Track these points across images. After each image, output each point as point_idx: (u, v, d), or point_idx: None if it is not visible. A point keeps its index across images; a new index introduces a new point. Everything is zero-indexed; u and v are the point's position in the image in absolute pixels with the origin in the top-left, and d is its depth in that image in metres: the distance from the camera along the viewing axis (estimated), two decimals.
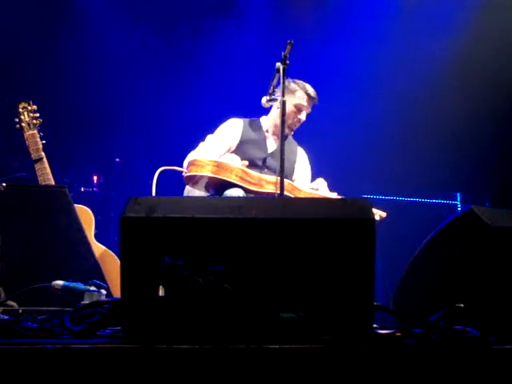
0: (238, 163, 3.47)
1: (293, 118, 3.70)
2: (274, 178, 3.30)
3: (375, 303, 1.52)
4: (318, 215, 1.50)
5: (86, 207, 3.41)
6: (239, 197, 3.17)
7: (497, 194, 5.62)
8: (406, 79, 5.42)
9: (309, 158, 4.02)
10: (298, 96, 3.72)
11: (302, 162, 3.96)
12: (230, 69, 5.66)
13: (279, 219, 1.49)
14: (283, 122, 3.10)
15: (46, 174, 3.31)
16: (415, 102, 5.48)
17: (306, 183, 3.85)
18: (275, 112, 3.78)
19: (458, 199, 5.74)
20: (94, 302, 1.67)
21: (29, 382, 1.29)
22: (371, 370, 1.36)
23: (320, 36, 5.51)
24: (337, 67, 5.57)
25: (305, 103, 3.75)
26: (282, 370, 1.33)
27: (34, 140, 3.39)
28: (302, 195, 3.44)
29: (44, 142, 3.41)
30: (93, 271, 2.63)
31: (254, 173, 3.40)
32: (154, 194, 3.36)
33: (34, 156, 3.35)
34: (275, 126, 3.78)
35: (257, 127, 3.85)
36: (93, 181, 5.43)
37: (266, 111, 3.90)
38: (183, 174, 3.46)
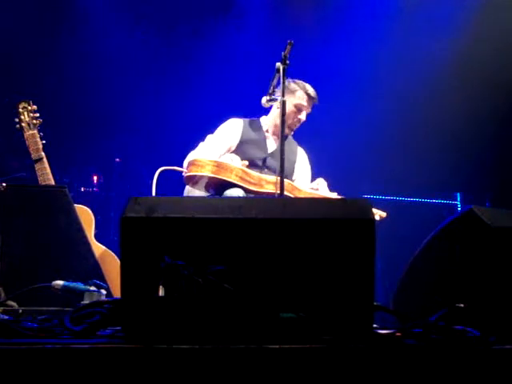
0: (237, 163, 3.47)
1: (293, 117, 3.70)
2: (273, 178, 3.30)
3: (375, 303, 1.52)
4: (318, 215, 1.50)
5: (86, 207, 3.41)
6: (239, 197, 3.17)
7: (497, 194, 5.62)
8: (406, 79, 5.42)
9: (309, 158, 4.02)
10: (297, 96, 3.73)
11: (301, 162, 3.96)
12: (230, 69, 5.66)
13: (279, 219, 1.49)
14: (283, 121, 3.10)
15: (46, 174, 3.31)
16: (415, 102, 5.48)
17: (306, 183, 3.85)
18: (275, 112, 3.78)
19: (458, 199, 5.74)
20: (94, 302, 1.67)
21: (29, 381, 1.29)
22: (371, 370, 1.36)
23: (320, 36, 5.51)
24: (337, 67, 5.57)
25: (305, 103, 3.75)
26: (281, 369, 1.33)
27: (34, 140, 3.39)
28: (302, 195, 3.44)
29: (44, 141, 3.41)
30: (93, 271, 2.63)
31: (254, 173, 3.40)
32: (153, 194, 3.36)
33: (33, 156, 3.35)
34: (275, 125, 3.78)
35: (257, 127, 3.85)
36: (93, 181, 5.43)
37: (266, 111, 3.90)
38: (183, 174, 3.46)
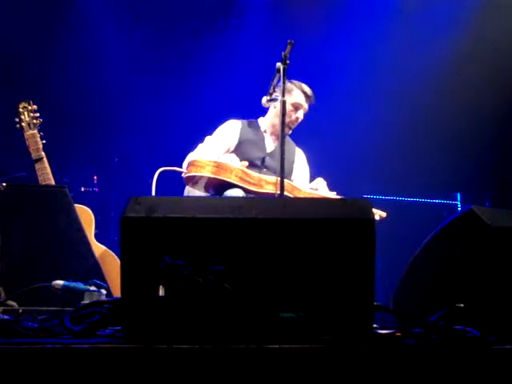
0: (237, 163, 3.48)
1: (290, 116, 3.72)
2: (273, 179, 3.30)
3: (375, 303, 1.52)
4: (317, 215, 1.50)
5: (86, 207, 3.41)
6: (239, 197, 3.17)
7: (497, 194, 5.62)
8: (406, 79, 5.42)
9: (307, 159, 4.03)
10: (294, 95, 3.75)
11: (300, 161, 3.98)
12: (230, 69, 5.66)
13: (279, 219, 1.49)
14: (283, 121, 3.11)
15: (46, 174, 3.31)
16: (415, 102, 5.48)
17: (305, 183, 3.85)
18: (272, 112, 3.82)
19: (458, 199, 5.75)
20: (94, 302, 1.67)
21: (29, 381, 1.29)
22: (371, 370, 1.36)
23: (320, 36, 5.51)
24: (337, 67, 5.57)
25: (302, 102, 3.78)
26: (281, 370, 1.34)
27: (34, 140, 3.39)
28: (301, 195, 3.44)
29: (44, 141, 3.41)
30: (93, 271, 2.63)
31: (254, 173, 3.41)
32: (153, 194, 3.36)
33: (34, 156, 3.35)
34: (273, 125, 3.82)
35: (255, 128, 3.88)
36: (93, 181, 5.43)
37: (265, 112, 3.91)
38: (183, 174, 3.46)
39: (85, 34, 5.55)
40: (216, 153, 3.67)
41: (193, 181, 3.43)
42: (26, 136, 3.40)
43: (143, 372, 1.31)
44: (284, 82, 3.11)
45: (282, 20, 5.69)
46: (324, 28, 5.55)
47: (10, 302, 2.10)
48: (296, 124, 3.82)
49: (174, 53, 5.78)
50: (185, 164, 3.54)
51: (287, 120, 3.66)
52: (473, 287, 1.75)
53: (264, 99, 3.32)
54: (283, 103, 3.11)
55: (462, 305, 1.62)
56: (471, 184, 5.67)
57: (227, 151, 3.72)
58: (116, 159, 5.59)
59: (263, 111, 3.91)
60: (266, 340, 1.38)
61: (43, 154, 3.35)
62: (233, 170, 3.33)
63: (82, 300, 1.93)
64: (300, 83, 3.80)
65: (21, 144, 3.45)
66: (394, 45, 5.43)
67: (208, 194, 3.52)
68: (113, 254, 3.32)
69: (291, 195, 3.35)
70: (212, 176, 3.29)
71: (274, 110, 3.78)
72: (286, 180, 3.14)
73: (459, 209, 5.63)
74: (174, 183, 3.80)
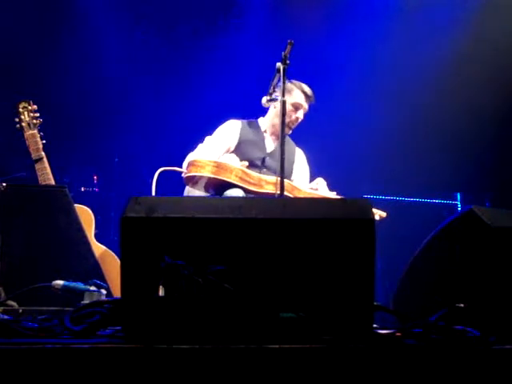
0: (236, 163, 3.48)
1: (290, 116, 3.72)
2: (273, 179, 3.30)
3: (375, 303, 1.52)
4: (317, 215, 1.50)
5: (86, 207, 3.41)
6: (239, 197, 3.17)
7: (497, 194, 5.63)
8: (406, 79, 5.42)
9: (307, 159, 4.04)
10: (294, 95, 3.75)
11: (300, 162, 3.98)
12: (230, 69, 5.66)
13: (279, 219, 1.49)
14: (283, 121, 3.11)
15: (46, 174, 3.31)
16: (415, 102, 5.48)
17: (305, 183, 3.86)
18: (272, 112, 3.83)
19: (458, 199, 5.75)
20: (94, 302, 1.67)
21: (29, 381, 1.29)
22: (371, 370, 1.36)
23: (320, 36, 5.51)
24: (337, 67, 5.57)
25: (301, 102, 3.78)
26: (282, 370, 1.34)
27: (34, 140, 3.39)
28: (301, 195, 3.44)
29: (44, 141, 3.41)
30: (93, 271, 2.63)
31: (254, 173, 3.41)
32: (153, 194, 3.36)
33: (34, 156, 3.35)
34: (273, 125, 3.83)
35: (255, 128, 3.88)
36: (93, 181, 5.43)
37: (265, 112, 3.92)
38: (183, 174, 3.46)
39: (85, 33, 5.55)
40: (216, 153, 3.67)
41: (193, 181, 3.43)
42: (25, 136, 3.40)
43: (143, 372, 1.31)
44: (284, 82, 3.11)
45: (282, 20, 5.69)
46: (324, 28, 5.55)
47: (10, 302, 2.10)
48: (296, 124, 3.82)
49: (174, 53, 5.78)
50: (185, 164, 3.54)
51: (287, 120, 3.66)
52: (473, 287, 1.75)
53: (264, 99, 3.32)
54: (283, 103, 3.11)
55: (462, 305, 1.62)
56: (471, 184, 5.67)
57: (227, 151, 3.72)
58: (116, 159, 5.59)
59: (263, 111, 3.92)
60: (266, 340, 1.38)
61: (43, 154, 3.35)
62: (233, 169, 3.33)
63: (82, 300, 1.93)
64: (300, 83, 3.81)
65: (21, 144, 3.45)
66: (394, 45, 5.43)
67: (208, 194, 3.52)
68: (113, 254, 3.32)
69: (291, 195, 3.35)
70: (212, 176, 3.29)
71: (273, 110, 3.79)
72: (286, 180, 3.14)
73: (459, 209, 5.63)
74: (174, 183, 3.80)
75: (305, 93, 3.78)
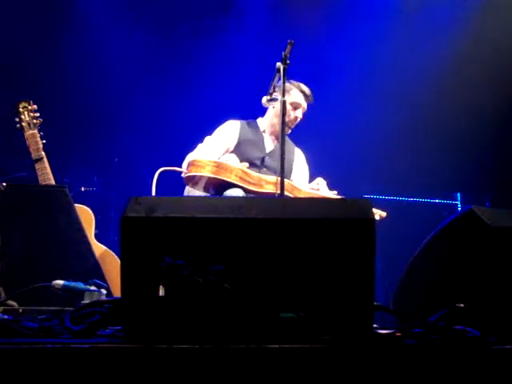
0: (234, 162, 3.49)
1: (289, 116, 3.73)
2: (273, 178, 3.30)
3: (375, 303, 1.52)
4: (318, 215, 1.50)
5: (86, 207, 3.41)
6: (239, 197, 3.17)
7: (497, 194, 5.62)
8: (406, 79, 5.42)
9: (307, 159, 4.05)
10: (293, 94, 3.77)
11: (299, 161, 3.99)
12: (230, 69, 5.66)
13: (279, 219, 1.49)
14: (283, 121, 3.11)
15: (46, 174, 3.31)
16: (415, 102, 5.48)
17: (305, 183, 3.86)
18: (271, 112, 3.84)
19: (458, 199, 5.75)
20: (94, 302, 1.67)
21: (29, 381, 1.29)
22: (371, 370, 1.36)
23: (320, 36, 5.51)
24: (337, 67, 5.57)
25: (300, 101, 3.80)
26: (282, 370, 1.34)
27: (35, 140, 3.39)
28: (301, 195, 3.44)
29: (44, 141, 3.41)
30: (93, 271, 2.63)
31: (254, 173, 3.41)
32: (153, 194, 3.36)
33: (34, 156, 3.35)
34: (272, 125, 3.85)
35: (254, 128, 3.90)
36: (93, 181, 5.43)
37: (265, 112, 3.92)
38: (182, 174, 3.46)
39: (85, 33, 5.55)
40: (215, 153, 3.67)
41: (193, 181, 3.43)
42: (26, 136, 3.40)
43: (143, 372, 1.31)
44: (284, 82, 3.11)
45: (282, 20, 5.69)
46: (324, 28, 5.55)
47: (10, 302, 2.10)
48: (295, 123, 3.83)
49: (174, 53, 5.78)
50: (184, 164, 3.55)
51: (286, 119, 3.67)
52: (473, 287, 1.75)
53: (264, 99, 3.32)
54: (283, 103, 3.11)
55: (462, 305, 1.62)
56: (471, 184, 5.67)
57: (227, 151, 3.73)
58: (116, 159, 5.58)
59: (263, 111, 3.92)
60: (266, 340, 1.38)
61: (43, 153, 3.35)
62: (233, 169, 3.33)
63: (82, 300, 1.93)
64: (298, 83, 3.83)
65: (21, 144, 3.45)
66: (394, 45, 5.43)
67: (208, 194, 3.52)
68: (113, 253, 3.32)
69: (291, 195, 3.35)
70: (212, 176, 3.30)
71: (272, 110, 3.80)
72: (286, 180, 3.14)
73: (459, 209, 5.63)
74: (174, 183, 3.80)
75: (303, 92, 3.80)
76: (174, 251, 1.44)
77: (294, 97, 3.78)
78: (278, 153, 3.07)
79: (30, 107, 3.45)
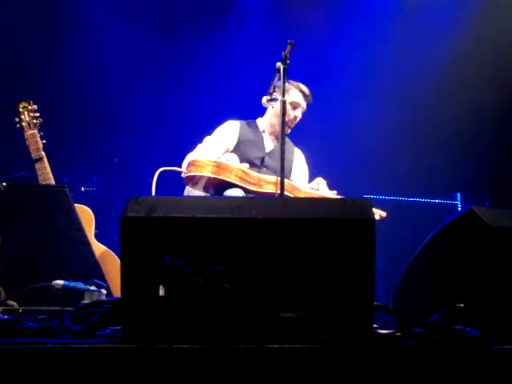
0: (235, 161, 3.49)
1: (289, 115, 3.73)
2: (273, 178, 3.31)
3: (375, 303, 1.52)
4: (317, 215, 1.50)
5: (86, 207, 3.41)
6: (239, 197, 3.17)
7: (497, 194, 5.62)
8: (406, 79, 5.42)
9: (306, 159, 4.06)
10: (292, 94, 3.78)
11: (298, 161, 4.00)
12: (230, 69, 5.66)
13: (279, 219, 1.49)
14: (284, 121, 3.12)
15: (46, 174, 3.31)
16: (415, 102, 5.48)
17: (304, 183, 3.87)
18: (270, 112, 3.85)
19: (458, 199, 5.75)
20: (95, 302, 1.67)
21: (29, 381, 1.29)
22: (371, 370, 1.36)
23: (320, 36, 5.51)
24: (337, 67, 5.57)
25: (299, 100, 3.82)
26: (282, 370, 1.34)
27: (35, 140, 3.39)
28: (301, 195, 3.44)
29: (44, 141, 3.41)
30: (93, 271, 2.63)
31: (254, 173, 3.41)
32: (153, 194, 3.36)
33: (34, 155, 3.35)
34: (272, 125, 3.86)
35: (253, 128, 3.91)
36: (93, 181, 5.43)
37: (264, 112, 3.93)
38: (182, 174, 3.46)
39: (85, 33, 5.55)
40: (215, 153, 3.68)
41: (193, 181, 3.43)
42: (26, 136, 3.40)
43: (143, 372, 1.31)
44: (284, 82, 3.11)
45: (282, 20, 5.69)
46: (324, 28, 5.55)
47: (10, 302, 2.10)
48: (295, 123, 3.84)
49: (174, 53, 5.78)
50: (184, 164, 3.55)
51: (286, 119, 3.67)
52: (473, 287, 1.75)
53: (264, 99, 3.33)
54: (283, 103, 3.12)
55: (462, 305, 1.62)
56: (471, 184, 5.67)
57: (226, 151, 3.74)
58: (116, 159, 5.59)
59: (263, 111, 3.93)
60: (266, 340, 1.38)
61: (43, 153, 3.35)
62: (233, 169, 3.33)
63: (82, 300, 1.93)
64: (297, 83, 3.85)
65: (21, 144, 3.45)
66: (394, 45, 5.43)
67: (208, 194, 3.52)
68: (113, 253, 3.32)
69: (291, 195, 3.35)
70: (212, 176, 3.30)
71: (272, 111, 3.81)
72: (286, 180, 3.14)
73: (459, 209, 5.63)
74: (174, 183, 3.80)
75: (302, 92, 3.82)
76: (174, 251, 1.44)
77: (293, 96, 3.78)
78: (278, 153, 3.08)
79: (30, 107, 3.45)
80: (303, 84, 3.85)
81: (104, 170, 5.57)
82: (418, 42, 5.47)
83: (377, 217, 3.43)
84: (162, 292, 1.42)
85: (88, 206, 3.44)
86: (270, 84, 3.24)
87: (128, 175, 5.60)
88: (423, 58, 5.49)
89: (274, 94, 3.27)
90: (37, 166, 3.33)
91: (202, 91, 5.59)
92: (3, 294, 2.30)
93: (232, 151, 3.73)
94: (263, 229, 1.47)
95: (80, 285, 2.01)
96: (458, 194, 5.74)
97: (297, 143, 4.03)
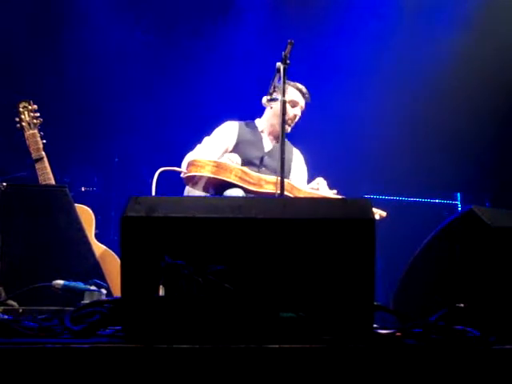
0: (236, 160, 3.49)
1: (288, 114, 3.73)
2: (273, 178, 3.31)
3: (375, 303, 1.52)
4: (318, 215, 1.50)
5: (86, 207, 3.41)
6: (239, 197, 3.18)
7: (497, 194, 5.62)
8: (406, 79, 5.42)
9: (305, 159, 4.06)
10: (289, 92, 3.78)
11: (297, 161, 4.01)
12: (230, 69, 5.66)
13: (279, 219, 1.49)
14: (283, 121, 3.12)
15: (46, 174, 3.31)
16: (415, 102, 5.48)
17: (303, 183, 3.87)
18: (269, 112, 3.87)
19: (458, 199, 5.75)
20: (95, 302, 1.67)
21: (29, 381, 1.29)
22: (371, 370, 1.36)
23: (320, 36, 5.51)
24: (337, 67, 5.57)
25: (297, 99, 3.84)
26: (282, 370, 1.34)
27: (35, 139, 3.39)
28: (301, 195, 3.45)
29: (44, 141, 3.41)
30: (93, 271, 2.63)
31: (254, 173, 3.41)
32: (153, 194, 3.36)
33: (34, 155, 3.35)
34: (270, 125, 3.87)
35: (252, 128, 3.92)
36: (93, 181, 5.42)
37: (263, 112, 3.93)
38: (182, 174, 3.46)
39: (85, 33, 5.54)
40: (215, 153, 3.68)
41: (193, 181, 3.43)
42: (26, 136, 3.40)
43: (143, 372, 1.31)
44: (284, 82, 3.11)
45: (282, 20, 5.69)
46: (324, 28, 5.55)
47: (11, 302, 2.10)
48: (295, 121, 3.85)
49: (174, 53, 5.78)
50: (184, 164, 3.55)
51: (285, 118, 3.68)
52: (473, 287, 1.75)
53: (264, 99, 3.33)
54: (283, 103, 3.12)
55: (462, 305, 1.62)
56: (471, 184, 5.67)
57: (225, 151, 3.75)
58: (116, 159, 5.58)
59: (263, 111, 3.93)
60: (266, 340, 1.38)
61: (43, 153, 3.35)
62: (232, 169, 3.33)
63: (82, 300, 1.93)
64: (295, 82, 3.86)
65: (21, 144, 3.45)
66: (394, 45, 5.43)
67: (208, 194, 3.52)
68: (113, 253, 3.32)
69: (291, 195, 3.35)
70: (212, 176, 3.30)
71: (270, 111, 3.82)
72: (285, 180, 3.15)
73: (459, 209, 5.63)
74: (174, 183, 3.80)
75: (300, 90, 3.85)
76: (174, 251, 1.44)
77: (291, 95, 3.79)
78: (278, 152, 3.08)
79: (30, 107, 3.45)
80: (302, 84, 3.87)
81: (104, 170, 5.57)
82: (418, 41, 5.47)
83: (377, 217, 3.43)
84: (162, 292, 1.42)
85: (88, 206, 3.44)
86: (270, 84, 3.24)
87: (128, 175, 5.60)
88: (423, 58, 5.49)
89: (274, 93, 3.27)
90: (37, 165, 3.33)
91: (202, 91, 5.59)
92: (3, 294, 2.30)
93: (231, 151, 3.73)
94: (263, 229, 1.47)
95: (80, 285, 2.01)
96: (458, 194, 5.74)
97: (296, 143, 4.04)
